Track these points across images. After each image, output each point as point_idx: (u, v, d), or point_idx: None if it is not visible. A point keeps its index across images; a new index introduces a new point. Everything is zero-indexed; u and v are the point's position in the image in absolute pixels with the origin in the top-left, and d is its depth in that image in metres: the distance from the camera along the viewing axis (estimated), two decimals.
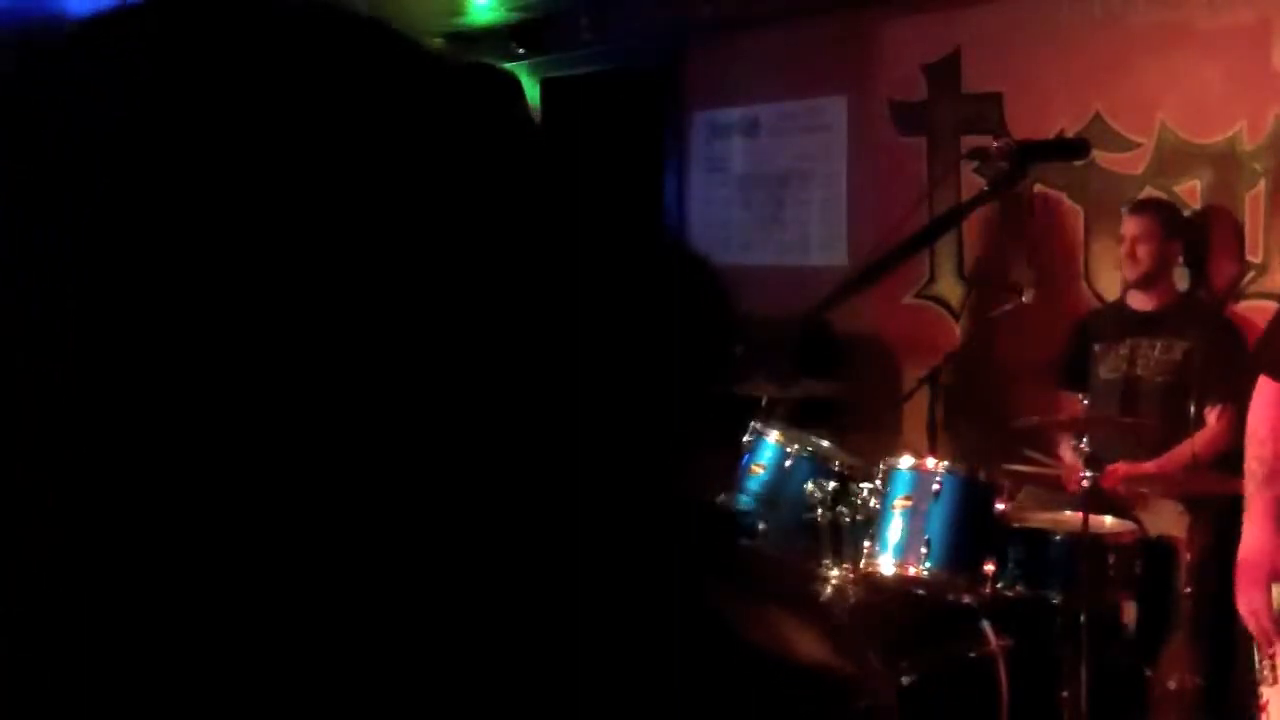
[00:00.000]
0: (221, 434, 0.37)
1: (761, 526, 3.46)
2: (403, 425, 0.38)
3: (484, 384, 0.39)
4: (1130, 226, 4.14)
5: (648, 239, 0.45)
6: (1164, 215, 4.17)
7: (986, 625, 3.33)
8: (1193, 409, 3.95)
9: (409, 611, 0.38)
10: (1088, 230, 4.74)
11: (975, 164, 4.72)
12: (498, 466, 0.39)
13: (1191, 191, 4.45)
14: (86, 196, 0.38)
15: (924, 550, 3.37)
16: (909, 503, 3.42)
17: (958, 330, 5.12)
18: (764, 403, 3.76)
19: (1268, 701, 2.58)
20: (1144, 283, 4.13)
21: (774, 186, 5.85)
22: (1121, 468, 3.75)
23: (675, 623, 0.43)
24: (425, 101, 0.42)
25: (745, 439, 3.54)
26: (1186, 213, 4.35)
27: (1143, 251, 4.09)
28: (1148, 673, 3.60)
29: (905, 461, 3.50)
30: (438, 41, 6.17)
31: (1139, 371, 4.10)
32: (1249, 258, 4.31)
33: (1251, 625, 2.67)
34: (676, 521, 0.43)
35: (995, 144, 2.65)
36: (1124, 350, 4.14)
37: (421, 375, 0.38)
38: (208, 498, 0.37)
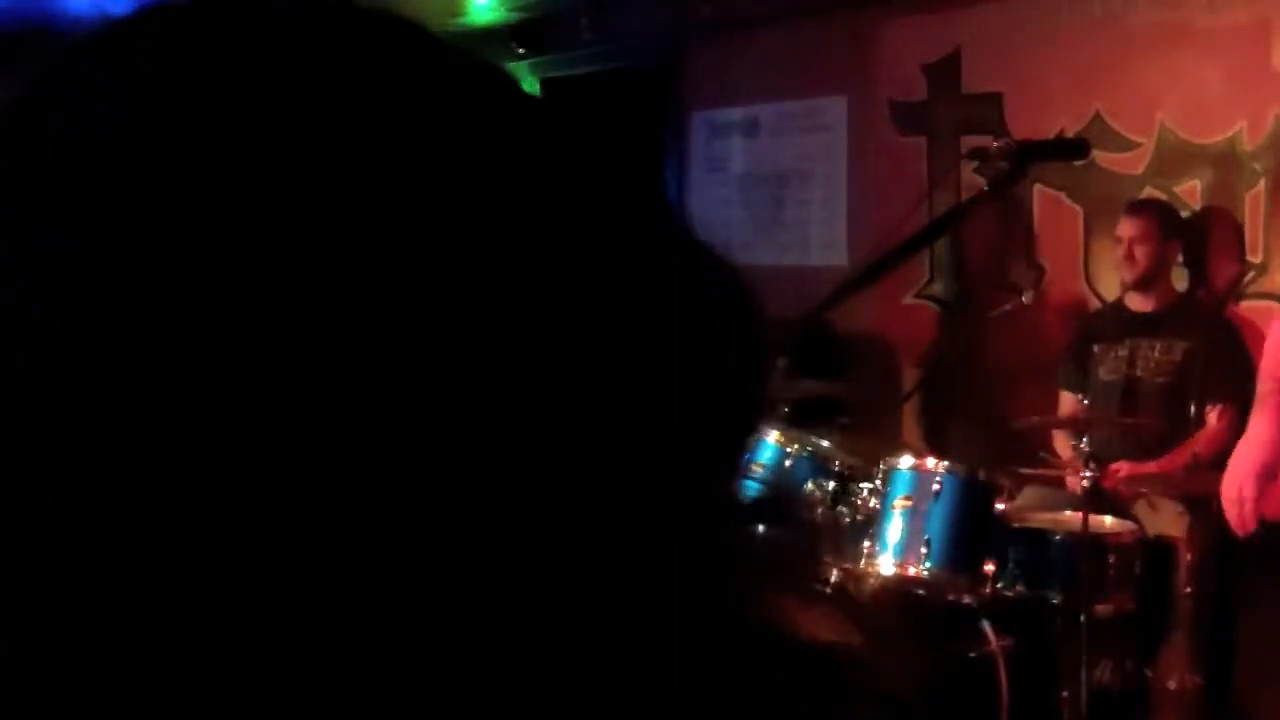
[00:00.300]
0: (221, 434, 0.37)
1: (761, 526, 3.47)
2: (403, 423, 0.38)
3: (488, 383, 0.39)
4: (1127, 228, 4.13)
5: (657, 235, 0.45)
6: (1161, 216, 4.16)
7: (986, 625, 3.33)
8: (1193, 409, 3.95)
9: (409, 611, 0.38)
10: (1088, 230, 4.74)
11: (975, 164, 4.72)
12: (499, 465, 0.39)
13: (1191, 191, 4.44)
14: (86, 196, 0.38)
15: (924, 550, 3.37)
16: (909, 503, 3.42)
17: (958, 330, 5.12)
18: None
19: None
20: (1142, 284, 4.12)
21: (774, 186, 5.85)
22: (1124, 467, 3.75)
23: (676, 615, 0.43)
24: (431, 102, 0.41)
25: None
26: (1185, 213, 4.35)
27: (1140, 253, 4.08)
28: (1148, 673, 3.60)
29: (905, 461, 3.50)
30: None
31: (1138, 372, 4.09)
32: (1249, 258, 4.31)
33: (1232, 513, 2.71)
34: (678, 513, 0.43)
35: (995, 144, 2.66)
36: (1123, 351, 4.14)
37: (423, 374, 0.38)
38: (208, 498, 0.37)
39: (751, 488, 3.44)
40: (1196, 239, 4.34)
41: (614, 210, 0.44)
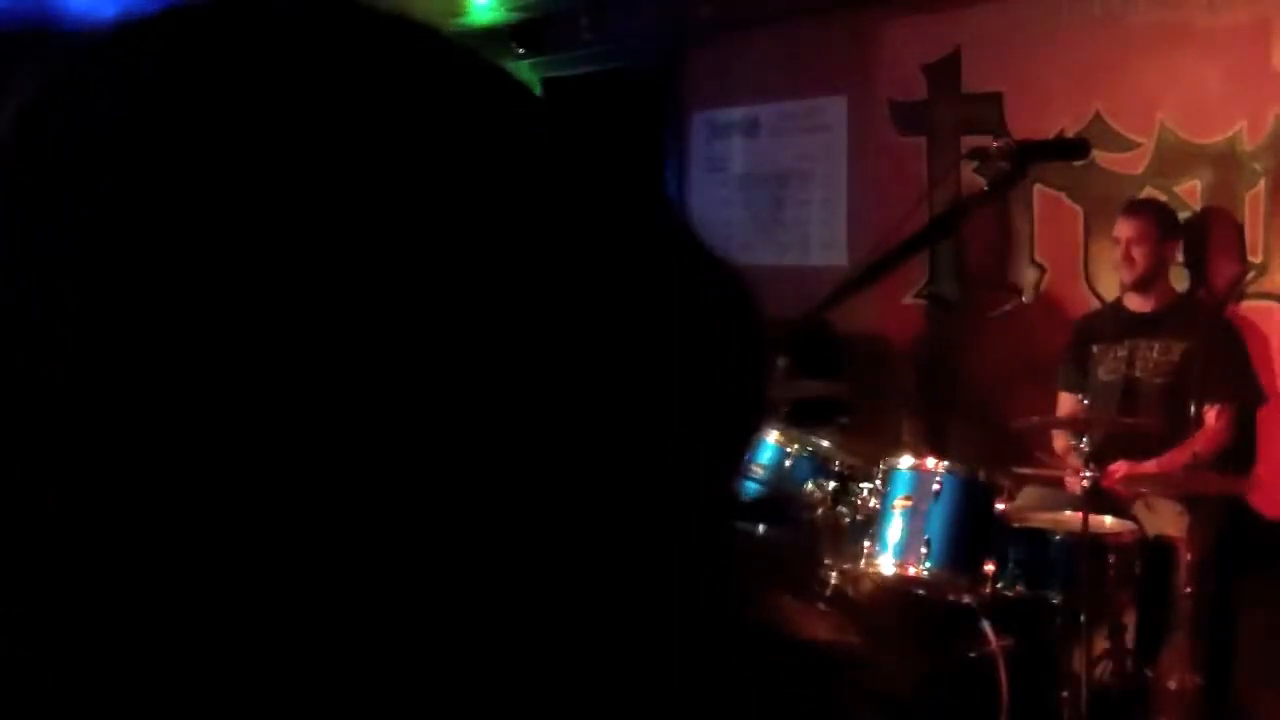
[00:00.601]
0: (220, 434, 0.37)
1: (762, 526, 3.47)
2: (403, 425, 0.38)
3: (489, 383, 0.39)
4: (1125, 229, 4.12)
5: (658, 236, 0.45)
6: (1159, 216, 4.15)
7: (986, 625, 3.33)
8: (1192, 409, 3.95)
9: (408, 610, 0.38)
10: (1088, 230, 4.74)
11: (975, 164, 4.72)
12: (498, 465, 0.39)
13: (1191, 191, 4.44)
14: (86, 197, 0.38)
15: (924, 550, 3.37)
16: (909, 503, 3.42)
17: (958, 330, 5.12)
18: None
19: None
20: (1141, 285, 4.11)
21: (774, 186, 5.85)
22: (1122, 467, 3.76)
23: (676, 614, 0.43)
24: (434, 104, 0.41)
25: None
26: (1185, 213, 4.35)
27: (1138, 254, 4.07)
28: (1148, 673, 3.60)
29: (905, 461, 3.50)
30: None
31: (1137, 373, 4.09)
32: (1249, 258, 4.31)
33: None
34: (678, 513, 0.43)
35: (995, 144, 2.65)
36: (1122, 352, 4.13)
37: (424, 375, 0.38)
38: (208, 498, 0.37)
39: (751, 488, 3.44)
40: (1196, 239, 4.34)
41: (615, 211, 0.44)
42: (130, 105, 0.39)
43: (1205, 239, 4.36)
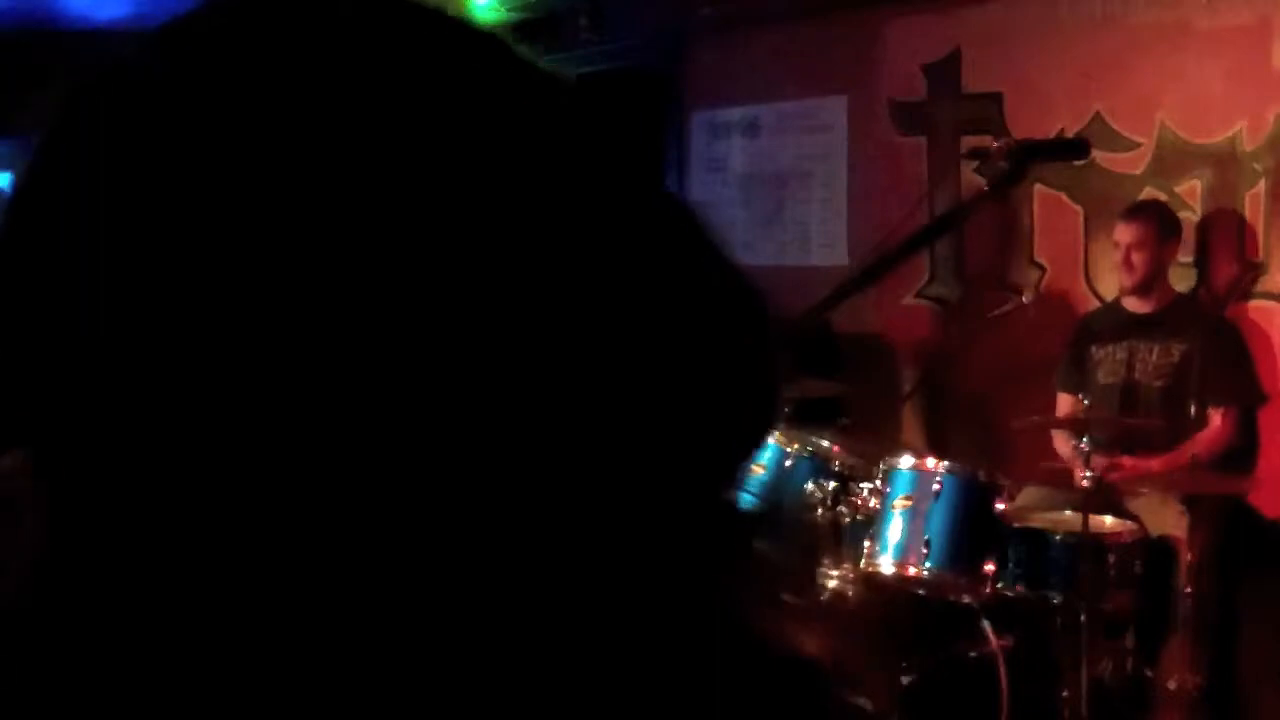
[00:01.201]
0: (223, 432, 0.37)
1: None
2: (403, 424, 0.38)
3: (493, 386, 0.39)
4: (1124, 234, 4.11)
5: (670, 240, 0.45)
6: (1158, 219, 4.15)
7: (986, 625, 3.33)
8: (1193, 410, 3.94)
9: (405, 609, 0.38)
10: (1088, 230, 4.73)
11: (975, 164, 4.71)
12: (497, 467, 0.39)
13: (1191, 191, 4.44)
14: (94, 196, 0.38)
15: (924, 550, 3.37)
16: (909, 503, 3.42)
17: (958, 330, 5.12)
18: None
19: None
20: (1141, 289, 4.11)
21: (774, 186, 5.84)
22: (1127, 461, 3.76)
23: (670, 619, 0.43)
24: (447, 108, 0.41)
25: None
26: (1186, 213, 4.34)
27: (1138, 258, 4.06)
28: (1148, 673, 3.60)
29: (905, 461, 3.50)
30: None
31: (1137, 376, 4.09)
32: (1250, 258, 4.31)
33: None
34: (677, 517, 0.44)
35: (995, 144, 2.64)
36: (1121, 354, 4.13)
37: (426, 376, 0.38)
38: (210, 497, 0.37)
39: (749, 489, 3.43)
40: (1198, 239, 4.33)
41: (633, 213, 0.44)
42: (138, 110, 0.39)
43: (1206, 239, 4.36)
